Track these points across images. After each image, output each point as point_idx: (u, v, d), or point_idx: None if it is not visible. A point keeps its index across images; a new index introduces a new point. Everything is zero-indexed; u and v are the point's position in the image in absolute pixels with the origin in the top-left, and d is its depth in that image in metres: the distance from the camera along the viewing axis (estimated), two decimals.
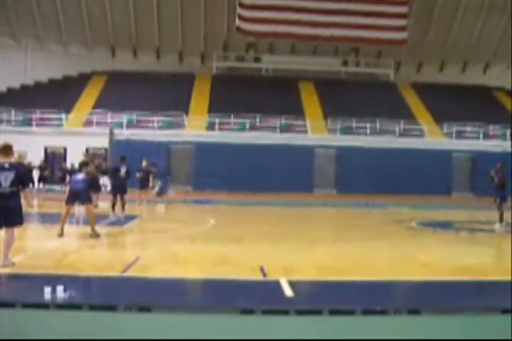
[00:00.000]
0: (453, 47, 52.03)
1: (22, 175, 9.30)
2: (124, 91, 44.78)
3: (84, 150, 36.28)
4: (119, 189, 19.21)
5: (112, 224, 16.99)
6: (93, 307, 6.74)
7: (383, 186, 38.38)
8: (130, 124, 41.21)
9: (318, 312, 6.76)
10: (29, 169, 27.60)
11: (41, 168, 36.31)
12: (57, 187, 33.93)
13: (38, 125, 40.28)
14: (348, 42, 50.56)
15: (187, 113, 43.63)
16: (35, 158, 37.29)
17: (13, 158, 9.78)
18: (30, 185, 35.06)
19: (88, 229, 13.55)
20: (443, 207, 29.24)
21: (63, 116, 41.60)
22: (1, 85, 45.71)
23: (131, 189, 20.77)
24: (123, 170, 19.45)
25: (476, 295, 8.00)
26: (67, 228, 13.47)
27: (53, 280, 8.00)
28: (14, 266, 9.15)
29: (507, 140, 42.14)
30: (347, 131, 42.42)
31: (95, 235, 13.30)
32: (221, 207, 26.99)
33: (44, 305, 6.77)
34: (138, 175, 23.25)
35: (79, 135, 38.99)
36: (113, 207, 18.99)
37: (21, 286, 8.23)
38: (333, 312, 6.76)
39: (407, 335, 6.14)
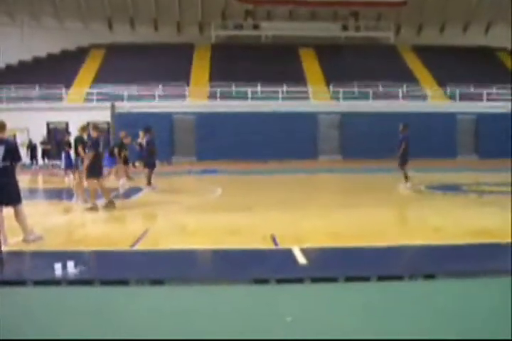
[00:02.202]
0: (453, 8, 51.25)
1: (13, 149, 9.03)
2: (123, 63, 44.40)
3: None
4: (154, 162, 18.83)
5: (119, 197, 16.90)
6: (105, 282, 6.66)
7: (388, 150, 38.08)
8: (131, 96, 40.89)
9: (334, 280, 6.68)
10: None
11: (45, 144, 36.29)
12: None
13: (38, 101, 39.98)
14: (346, 6, 49.97)
15: (188, 83, 43.33)
16: (37, 133, 37.33)
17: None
18: (32, 161, 35.15)
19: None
20: (449, 170, 29.07)
21: (63, 90, 41.32)
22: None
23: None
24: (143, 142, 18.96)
25: (492, 257, 7.88)
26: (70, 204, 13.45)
27: (63, 256, 7.90)
28: (42, 240, 9.17)
29: (511, 101, 41.76)
30: (349, 96, 42.04)
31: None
32: (226, 176, 26.93)
33: (55, 282, 6.70)
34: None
35: (80, 109, 38.73)
36: (149, 182, 18.58)
37: (31, 263, 8.15)
38: (349, 279, 6.68)
39: (423, 300, 6.08)
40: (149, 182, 18.55)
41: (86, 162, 13.58)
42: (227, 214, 12.78)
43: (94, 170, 13.64)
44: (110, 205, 13.69)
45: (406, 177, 18.03)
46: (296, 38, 50.35)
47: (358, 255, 8.24)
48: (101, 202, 13.84)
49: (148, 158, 18.64)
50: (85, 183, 14.55)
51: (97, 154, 13.60)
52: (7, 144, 8.95)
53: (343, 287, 6.59)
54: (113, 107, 39.81)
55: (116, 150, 18.96)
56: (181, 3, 51.17)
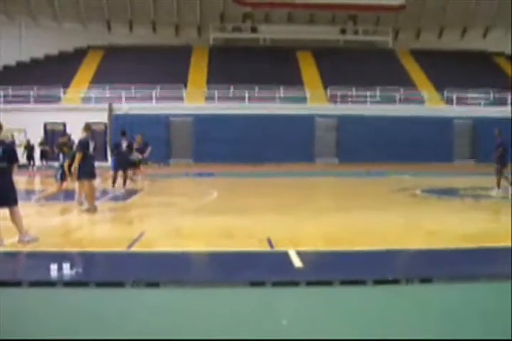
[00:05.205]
0: (451, 13, 51.31)
1: (10, 150, 8.98)
2: (121, 65, 44.32)
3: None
4: (122, 164, 18.95)
5: (115, 199, 16.89)
6: (100, 284, 6.64)
7: (384, 154, 38.21)
8: (129, 98, 40.84)
9: (329, 283, 6.66)
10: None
11: (42, 145, 36.24)
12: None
13: (36, 102, 39.90)
14: (345, 9, 49.95)
15: (185, 85, 43.30)
16: (35, 134, 37.26)
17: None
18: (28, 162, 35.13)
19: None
20: (445, 174, 29.09)
21: (61, 91, 41.26)
22: None
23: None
24: (124, 145, 19.13)
25: (488, 261, 7.89)
26: (68, 205, 13.39)
27: (59, 257, 7.88)
28: (38, 241, 9.05)
29: (508, 105, 41.77)
30: (347, 99, 42.04)
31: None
32: (223, 179, 26.88)
33: (50, 283, 6.67)
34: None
35: (78, 110, 38.63)
36: (113, 182, 18.82)
37: (26, 264, 8.14)
38: (344, 283, 6.67)
39: (419, 304, 6.07)
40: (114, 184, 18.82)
41: (75, 163, 13.32)
42: (223, 216, 12.76)
43: (85, 172, 13.39)
44: (92, 209, 13.28)
45: (499, 183, 17.65)
46: (294, 41, 50.32)
47: (354, 258, 8.23)
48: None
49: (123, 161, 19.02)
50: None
51: (85, 155, 13.32)
52: (4, 145, 8.93)
53: (338, 290, 6.57)
54: (110, 109, 39.78)
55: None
56: (180, 5, 51.15)
